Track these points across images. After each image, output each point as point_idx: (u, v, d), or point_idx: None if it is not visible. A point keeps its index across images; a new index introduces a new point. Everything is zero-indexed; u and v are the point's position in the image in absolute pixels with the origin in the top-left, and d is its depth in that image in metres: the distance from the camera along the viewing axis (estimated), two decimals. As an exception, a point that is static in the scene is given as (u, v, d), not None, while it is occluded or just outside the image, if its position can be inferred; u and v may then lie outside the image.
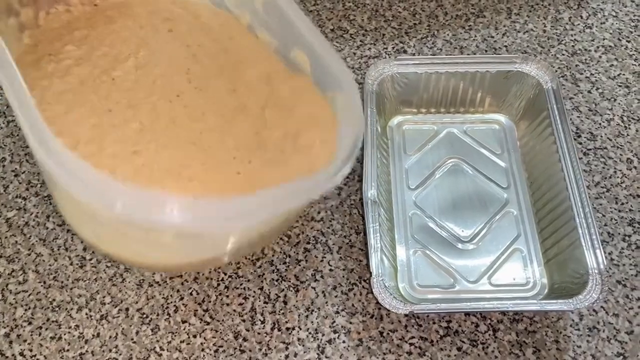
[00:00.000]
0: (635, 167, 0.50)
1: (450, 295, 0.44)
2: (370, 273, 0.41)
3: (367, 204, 0.43)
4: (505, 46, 0.56)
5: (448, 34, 0.57)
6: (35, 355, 0.42)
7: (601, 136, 0.51)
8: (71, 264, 0.46)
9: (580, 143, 0.51)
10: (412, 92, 0.50)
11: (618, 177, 0.49)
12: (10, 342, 0.43)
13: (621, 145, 0.51)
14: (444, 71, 0.49)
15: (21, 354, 0.42)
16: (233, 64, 0.42)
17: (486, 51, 0.56)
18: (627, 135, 0.51)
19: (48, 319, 0.43)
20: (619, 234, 0.47)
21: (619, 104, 0.53)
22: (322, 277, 0.45)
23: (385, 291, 0.40)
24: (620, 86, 0.54)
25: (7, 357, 0.42)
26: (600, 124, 0.52)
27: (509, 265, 0.45)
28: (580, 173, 0.44)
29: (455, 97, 0.51)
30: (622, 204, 0.48)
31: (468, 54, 0.56)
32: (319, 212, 0.48)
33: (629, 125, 0.52)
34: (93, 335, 0.43)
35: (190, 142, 0.37)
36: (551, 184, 0.45)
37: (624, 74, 0.55)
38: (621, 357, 0.42)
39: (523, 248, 0.45)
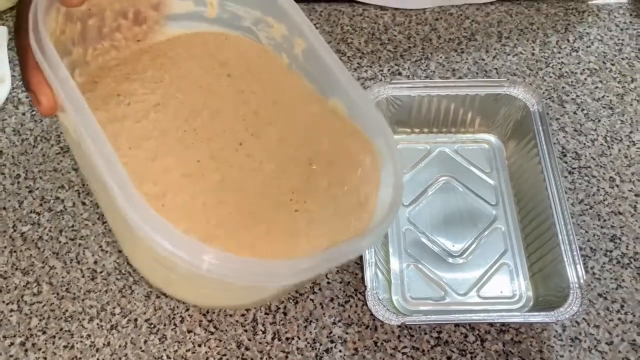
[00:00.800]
0: (617, 186, 0.52)
1: (440, 307, 0.47)
2: (365, 286, 0.44)
3: None
4: (496, 69, 0.59)
5: (441, 57, 0.60)
6: (49, 363, 0.45)
7: (585, 155, 0.54)
8: (83, 276, 0.48)
9: (566, 162, 0.54)
10: (406, 113, 0.53)
11: (601, 194, 0.52)
12: (26, 351, 0.45)
13: (604, 165, 0.53)
14: (436, 94, 0.52)
15: (36, 362, 0.45)
16: (281, 110, 0.42)
17: (477, 73, 0.59)
18: (610, 154, 0.54)
19: (61, 329, 0.46)
20: (601, 249, 0.49)
21: (603, 124, 0.56)
22: (320, 289, 0.47)
23: (379, 303, 0.43)
24: (604, 107, 0.57)
25: (23, 364, 0.45)
26: (584, 143, 0.55)
27: (496, 278, 0.47)
28: (563, 192, 0.46)
29: (447, 118, 0.54)
30: (604, 220, 0.51)
31: (460, 77, 0.58)
32: (317, 228, 0.50)
33: (612, 145, 0.55)
34: (104, 344, 0.45)
35: (257, 191, 0.38)
36: (536, 201, 0.48)
37: (608, 96, 0.57)
38: (601, 366, 0.44)
39: (510, 262, 0.48)
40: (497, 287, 0.47)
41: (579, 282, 0.42)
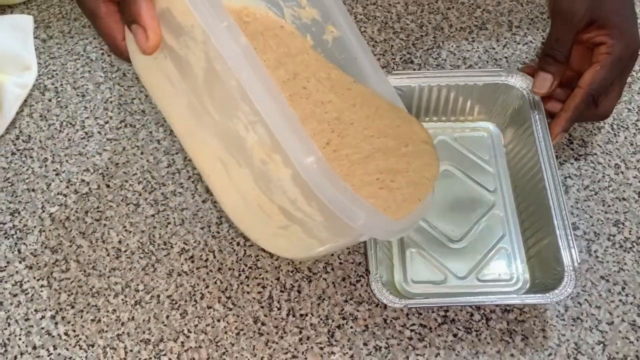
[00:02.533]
0: (622, 172, 0.54)
1: (441, 289, 0.49)
2: (369, 271, 0.46)
3: None
4: (506, 57, 0.61)
5: (452, 45, 0.62)
6: (78, 335, 0.47)
7: (592, 143, 0.55)
8: (108, 255, 0.51)
9: (572, 149, 0.55)
10: (406, 102, 0.54)
11: (606, 181, 0.53)
12: (56, 324, 0.48)
13: (610, 152, 0.55)
14: (436, 84, 0.53)
15: (66, 334, 0.48)
16: (358, 109, 0.47)
17: (487, 62, 0.60)
18: (616, 142, 0.55)
19: (88, 304, 0.49)
20: (604, 233, 0.51)
21: (610, 112, 0.57)
22: (332, 269, 0.50)
23: (382, 287, 0.45)
24: (611, 96, 0.58)
25: (53, 336, 0.48)
26: (591, 131, 0.56)
27: (495, 262, 0.49)
28: (559, 178, 0.48)
29: (447, 107, 0.55)
30: (609, 205, 0.52)
31: (470, 65, 0.60)
32: (330, 211, 0.52)
33: (618, 132, 0.56)
34: (128, 319, 0.48)
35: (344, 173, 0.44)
36: (533, 188, 0.50)
37: (615, 84, 0.59)
38: (601, 345, 0.46)
39: (508, 247, 0.50)
40: (495, 271, 0.49)
41: (574, 265, 0.44)
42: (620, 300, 0.48)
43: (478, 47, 0.61)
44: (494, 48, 0.61)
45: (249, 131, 0.36)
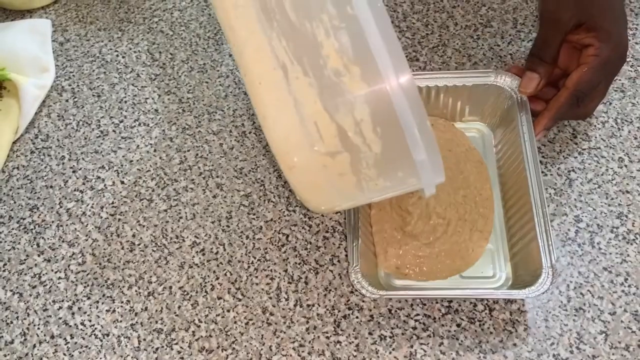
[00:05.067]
0: (625, 166, 0.54)
1: (424, 284, 0.49)
2: (349, 262, 0.47)
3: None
4: (510, 54, 0.62)
5: (457, 43, 0.63)
6: (93, 325, 0.49)
7: (595, 137, 0.56)
8: (122, 248, 0.53)
9: (576, 143, 0.56)
10: None
11: (609, 174, 0.54)
12: (73, 314, 0.50)
13: (614, 146, 0.55)
14: (424, 85, 0.54)
15: (82, 324, 0.49)
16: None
17: (492, 59, 0.61)
18: (620, 136, 0.56)
19: (104, 295, 0.51)
20: (608, 225, 0.51)
21: (614, 107, 0.58)
22: (338, 261, 0.51)
23: (361, 278, 0.46)
24: (616, 91, 0.59)
25: (70, 326, 0.49)
26: (595, 125, 0.57)
27: (479, 260, 0.50)
28: (541, 180, 0.48)
29: (438, 107, 0.56)
30: (612, 198, 0.53)
31: (475, 62, 0.61)
32: (337, 205, 0.54)
33: (622, 126, 0.57)
34: (142, 309, 0.50)
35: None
36: (517, 188, 0.50)
37: (620, 79, 0.59)
38: (603, 334, 0.47)
39: (492, 246, 0.50)
40: (478, 269, 0.50)
41: (551, 263, 0.45)
42: (622, 291, 0.48)
43: (483, 45, 0.62)
44: (498, 45, 0.62)
45: (329, 37, 0.34)
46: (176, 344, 0.48)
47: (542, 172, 0.54)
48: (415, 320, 0.48)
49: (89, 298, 0.51)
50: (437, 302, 0.49)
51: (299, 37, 0.35)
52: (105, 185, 0.56)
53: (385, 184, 0.39)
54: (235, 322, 0.49)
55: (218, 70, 0.63)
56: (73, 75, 0.64)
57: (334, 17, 0.34)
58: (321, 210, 0.42)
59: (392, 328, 0.48)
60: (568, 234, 0.51)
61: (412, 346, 0.47)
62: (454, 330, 0.47)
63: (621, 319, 0.47)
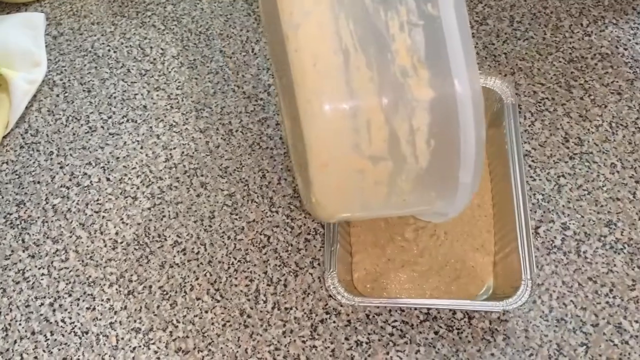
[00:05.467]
0: (618, 172, 0.53)
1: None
2: (326, 268, 0.46)
3: None
4: (505, 53, 0.60)
5: (451, 41, 0.61)
6: (73, 322, 0.50)
7: (588, 141, 0.55)
8: (105, 246, 0.53)
9: (568, 147, 0.54)
10: None
11: (600, 180, 0.53)
12: (54, 311, 0.50)
13: (607, 151, 0.54)
14: None
15: (62, 321, 0.50)
16: None
17: (486, 58, 0.60)
18: (614, 140, 0.54)
19: (85, 292, 0.51)
20: (595, 234, 0.50)
21: (609, 110, 0.56)
22: (319, 264, 0.51)
23: (338, 284, 0.45)
24: (612, 93, 0.57)
25: (50, 322, 0.50)
26: (588, 129, 0.55)
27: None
28: (525, 189, 0.47)
29: None
30: (602, 206, 0.51)
31: (468, 61, 0.59)
32: (319, 207, 0.53)
33: (617, 131, 0.55)
34: (121, 308, 0.50)
35: None
36: (501, 196, 0.49)
37: (617, 81, 0.57)
38: (584, 347, 0.46)
39: None
40: None
41: (531, 275, 0.44)
42: (607, 302, 0.47)
43: (477, 43, 0.61)
44: (493, 44, 0.61)
45: (403, 32, 0.32)
46: (153, 343, 0.48)
47: (531, 176, 0.53)
48: (393, 327, 0.48)
49: (70, 295, 0.51)
50: (415, 309, 0.48)
51: (370, 24, 0.32)
52: (91, 181, 0.57)
53: (412, 202, 0.37)
54: (212, 324, 0.49)
55: (208, 67, 0.62)
56: (65, 70, 0.64)
57: (412, 12, 0.31)
58: (331, 217, 0.39)
59: (369, 334, 0.47)
60: (554, 241, 0.50)
61: (387, 353, 0.47)
62: (432, 338, 0.47)
63: (603, 331, 0.46)
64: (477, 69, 0.32)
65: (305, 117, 0.33)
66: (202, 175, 0.56)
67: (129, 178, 0.57)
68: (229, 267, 0.51)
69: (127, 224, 0.54)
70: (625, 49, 0.59)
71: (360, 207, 0.37)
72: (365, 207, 0.37)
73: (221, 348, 0.48)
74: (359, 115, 0.32)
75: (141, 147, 0.58)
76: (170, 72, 0.63)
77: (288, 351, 0.47)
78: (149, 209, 0.55)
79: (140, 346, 0.48)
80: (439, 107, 0.32)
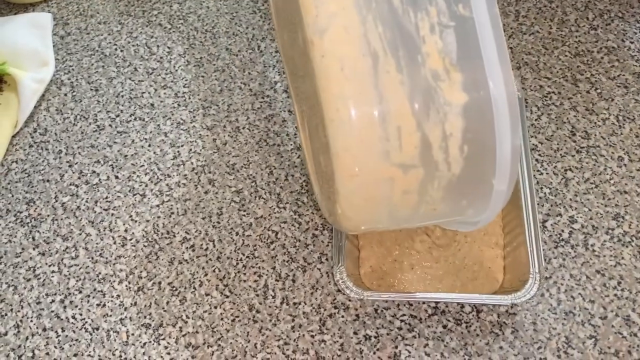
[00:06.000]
0: (625, 165, 0.53)
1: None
2: (334, 262, 0.46)
3: None
4: (511, 48, 0.60)
5: (457, 37, 0.61)
6: (84, 319, 0.50)
7: (595, 135, 0.55)
8: (114, 243, 0.54)
9: (575, 141, 0.54)
10: None
11: (608, 173, 0.53)
12: (65, 307, 0.51)
13: (614, 144, 0.54)
14: None
15: (73, 317, 0.50)
16: None
17: (491, 53, 0.60)
18: (621, 134, 0.54)
19: (95, 289, 0.51)
20: (603, 227, 0.50)
21: (616, 103, 0.56)
22: (326, 259, 0.51)
23: (346, 278, 0.45)
24: (619, 86, 0.57)
25: (62, 319, 0.50)
26: (595, 122, 0.55)
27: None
28: (532, 183, 0.47)
29: None
30: (609, 199, 0.51)
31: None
32: (327, 202, 0.54)
33: (624, 124, 0.55)
34: (131, 304, 0.50)
35: None
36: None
37: (624, 75, 0.57)
38: (593, 339, 0.46)
39: None
40: None
41: (539, 269, 0.44)
42: (615, 295, 0.47)
43: (483, 38, 0.61)
44: (499, 39, 0.61)
45: (434, 34, 0.30)
46: (163, 339, 0.49)
47: (538, 170, 0.53)
48: (401, 321, 0.48)
49: (80, 292, 0.52)
50: (423, 303, 0.48)
51: (399, 26, 0.30)
52: (99, 179, 0.57)
53: (442, 211, 0.35)
54: (221, 319, 0.49)
55: (214, 65, 0.63)
56: (72, 69, 0.64)
57: (443, 13, 0.30)
58: (356, 229, 0.38)
59: (378, 328, 0.48)
60: (561, 235, 0.50)
61: (396, 347, 0.47)
62: (440, 332, 0.47)
63: (612, 324, 0.46)
64: (512, 71, 0.30)
65: (332, 125, 0.32)
66: (209, 172, 0.56)
67: (138, 176, 0.57)
68: (237, 263, 0.51)
69: (136, 221, 0.54)
70: (632, 42, 0.59)
71: (388, 217, 0.36)
72: (393, 217, 0.36)
73: (230, 343, 0.48)
74: (389, 121, 0.31)
75: (149, 145, 0.59)
76: (177, 70, 0.63)
77: (297, 346, 0.47)
78: (158, 206, 0.55)
79: (150, 342, 0.49)
80: (473, 111, 0.30)
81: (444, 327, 0.47)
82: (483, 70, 0.30)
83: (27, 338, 0.50)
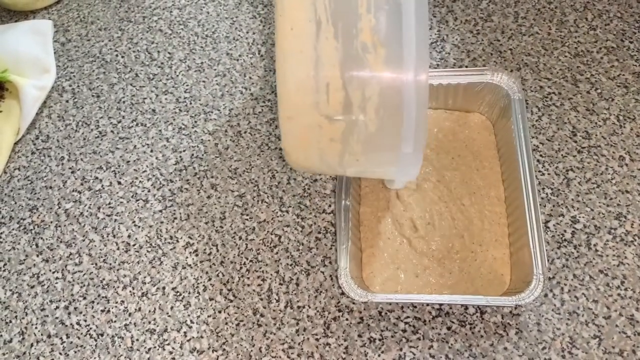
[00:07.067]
0: (626, 165, 0.53)
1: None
2: (339, 265, 0.46)
3: (340, 208, 0.48)
4: (510, 49, 0.60)
5: (457, 39, 0.61)
6: (89, 325, 0.50)
7: (596, 135, 0.55)
8: (118, 248, 0.54)
9: (576, 142, 0.55)
10: None
11: (609, 173, 0.53)
12: (69, 314, 0.51)
13: (615, 144, 0.54)
14: None
15: (78, 324, 0.50)
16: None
17: (492, 54, 0.60)
18: (622, 133, 0.54)
19: (99, 295, 0.52)
20: (605, 227, 0.50)
21: (617, 103, 0.56)
22: (330, 262, 0.51)
23: (351, 281, 0.45)
24: (619, 86, 0.57)
25: (66, 325, 0.50)
26: (596, 122, 0.55)
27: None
28: (535, 184, 0.47)
29: (436, 105, 0.55)
30: (611, 198, 0.51)
31: (474, 58, 0.60)
32: (329, 205, 0.54)
33: (624, 124, 0.55)
34: (135, 309, 0.51)
35: None
36: (511, 191, 0.49)
37: (624, 74, 0.57)
38: (597, 339, 0.46)
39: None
40: None
41: (543, 270, 0.44)
42: (618, 295, 0.47)
43: (483, 40, 0.61)
44: (498, 40, 0.61)
45: (370, 13, 0.36)
46: (168, 344, 0.49)
47: (540, 171, 0.53)
48: (405, 323, 0.48)
49: (84, 298, 0.52)
50: (427, 305, 0.48)
51: (343, 2, 0.37)
52: (102, 185, 0.57)
53: (364, 162, 0.41)
54: (226, 323, 0.49)
55: (215, 69, 0.63)
56: (74, 76, 0.65)
57: None
58: (298, 165, 0.44)
59: (382, 331, 0.48)
60: (564, 235, 0.50)
61: (401, 349, 0.47)
62: (444, 334, 0.47)
63: (616, 323, 0.46)
64: (428, 56, 0.36)
65: (278, 75, 0.39)
66: (212, 177, 0.56)
67: (140, 181, 0.57)
68: (241, 267, 0.52)
69: (139, 227, 0.54)
70: (631, 42, 0.59)
71: (320, 160, 0.42)
72: (324, 161, 0.42)
73: (235, 347, 0.48)
74: (321, 78, 0.37)
75: (151, 151, 0.59)
76: (178, 75, 0.63)
77: (302, 349, 0.47)
78: (160, 211, 0.55)
79: (155, 347, 0.49)
80: (389, 83, 0.36)
81: (449, 328, 0.47)
82: (402, 50, 0.36)
83: (32, 345, 0.50)
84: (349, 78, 0.37)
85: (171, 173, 0.57)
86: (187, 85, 0.62)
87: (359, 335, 0.48)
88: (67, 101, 0.63)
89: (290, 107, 0.39)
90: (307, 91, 0.38)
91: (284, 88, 0.39)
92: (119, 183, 0.57)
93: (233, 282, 0.51)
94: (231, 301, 0.50)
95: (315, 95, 0.38)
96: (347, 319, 0.48)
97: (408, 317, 0.48)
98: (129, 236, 0.54)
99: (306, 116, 0.39)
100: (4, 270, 0.54)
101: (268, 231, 0.53)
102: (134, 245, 0.54)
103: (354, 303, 0.49)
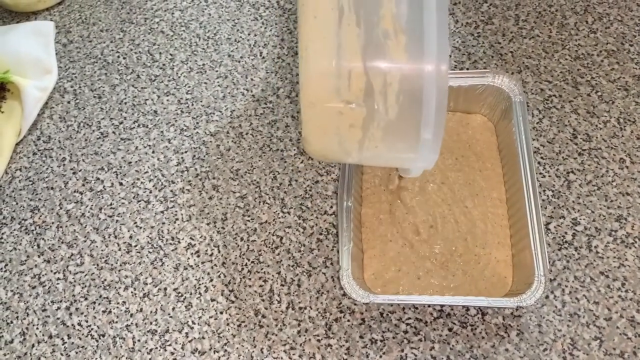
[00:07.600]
0: (627, 167, 0.53)
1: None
2: (340, 266, 0.46)
3: (342, 210, 0.48)
4: (511, 52, 0.60)
5: (457, 41, 0.62)
6: (90, 326, 0.50)
7: (597, 137, 0.55)
8: (119, 249, 0.54)
9: (576, 144, 0.55)
10: None
11: (610, 176, 0.53)
12: (70, 314, 0.51)
13: (615, 146, 0.54)
14: None
15: (79, 324, 0.50)
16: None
17: (492, 57, 0.60)
18: (622, 136, 0.55)
19: (100, 296, 0.52)
20: (606, 229, 0.50)
21: (617, 106, 0.56)
22: (331, 264, 0.51)
23: (353, 282, 0.45)
24: (619, 89, 0.57)
25: (67, 326, 0.50)
26: (596, 125, 0.56)
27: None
28: (536, 186, 0.47)
29: None
30: (612, 201, 0.52)
31: (474, 60, 0.60)
32: (331, 207, 0.54)
33: (625, 126, 0.55)
34: (137, 310, 0.51)
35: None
36: (512, 192, 0.49)
37: (624, 77, 0.58)
38: (598, 340, 0.46)
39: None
40: None
41: (544, 271, 0.44)
42: (619, 296, 0.48)
43: (483, 42, 0.61)
44: (499, 43, 0.61)
45: (391, 2, 0.37)
46: (169, 345, 0.49)
47: (540, 173, 0.53)
48: (407, 324, 0.48)
49: (86, 299, 0.52)
50: (429, 306, 0.48)
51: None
52: (104, 186, 0.57)
53: (382, 149, 0.41)
54: (227, 324, 0.49)
55: (217, 71, 0.63)
56: (75, 77, 0.65)
57: None
58: (315, 153, 0.44)
59: (383, 332, 0.48)
60: (565, 237, 0.50)
61: (402, 350, 0.47)
62: (446, 335, 0.47)
63: (617, 325, 0.46)
64: (448, 45, 0.37)
65: (301, 61, 0.39)
66: (213, 178, 0.56)
67: (142, 182, 0.57)
68: (242, 268, 0.52)
69: (140, 228, 0.55)
70: (631, 45, 0.60)
71: (339, 147, 0.42)
72: (343, 148, 0.42)
73: (237, 348, 0.48)
74: (343, 65, 0.38)
75: (153, 152, 0.59)
76: (179, 77, 0.63)
77: (303, 350, 0.47)
78: (162, 212, 0.55)
79: (156, 348, 0.49)
80: (410, 70, 0.37)
81: (450, 330, 0.47)
82: (423, 37, 0.36)
83: (33, 345, 0.50)
84: (370, 64, 0.37)
85: (173, 174, 0.57)
86: (189, 87, 0.63)
87: (361, 337, 0.48)
88: (68, 102, 0.63)
89: (312, 93, 0.39)
90: (329, 77, 0.38)
91: (306, 74, 0.39)
92: (121, 184, 0.57)
93: (234, 283, 0.51)
94: (233, 302, 0.50)
95: (337, 81, 0.38)
96: (348, 320, 0.48)
97: (409, 318, 0.48)
98: (130, 237, 0.54)
99: (327, 102, 0.39)
100: (6, 271, 0.54)
101: (270, 232, 0.53)
102: (135, 246, 0.54)
103: (355, 304, 0.49)
